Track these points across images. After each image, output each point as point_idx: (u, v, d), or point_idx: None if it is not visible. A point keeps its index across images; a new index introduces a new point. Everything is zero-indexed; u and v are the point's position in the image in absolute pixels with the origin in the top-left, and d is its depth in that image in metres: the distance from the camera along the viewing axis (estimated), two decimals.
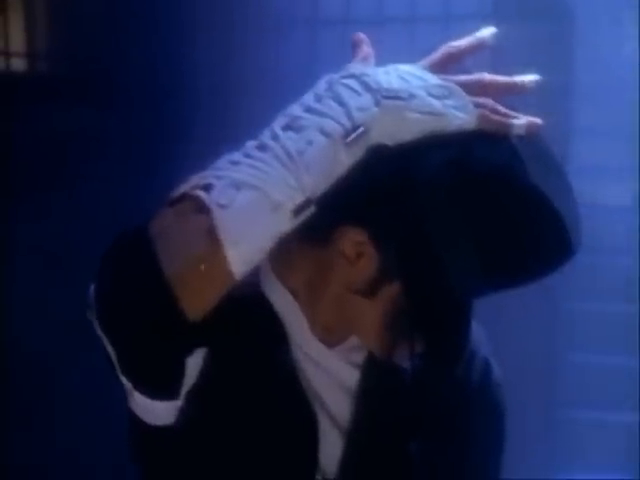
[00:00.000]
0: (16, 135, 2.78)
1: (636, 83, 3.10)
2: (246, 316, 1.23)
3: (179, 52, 2.99)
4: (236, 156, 1.08)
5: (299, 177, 1.06)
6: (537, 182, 1.11)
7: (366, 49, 1.18)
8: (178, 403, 1.16)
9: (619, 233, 3.50)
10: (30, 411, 2.74)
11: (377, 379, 1.27)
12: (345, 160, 1.08)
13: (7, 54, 2.88)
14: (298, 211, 1.06)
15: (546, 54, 3.06)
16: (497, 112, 1.13)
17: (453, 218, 1.11)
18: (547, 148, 1.17)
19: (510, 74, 1.19)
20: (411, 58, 1.18)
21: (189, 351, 1.11)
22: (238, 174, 1.05)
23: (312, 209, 1.08)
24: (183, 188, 1.07)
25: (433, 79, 1.13)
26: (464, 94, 1.12)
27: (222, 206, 1.03)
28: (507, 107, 1.15)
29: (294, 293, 1.24)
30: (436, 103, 1.10)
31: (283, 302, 1.24)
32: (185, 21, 3.02)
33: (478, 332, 1.37)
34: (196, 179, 1.06)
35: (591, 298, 3.51)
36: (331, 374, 1.26)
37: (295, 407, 1.24)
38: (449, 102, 1.11)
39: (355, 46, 1.18)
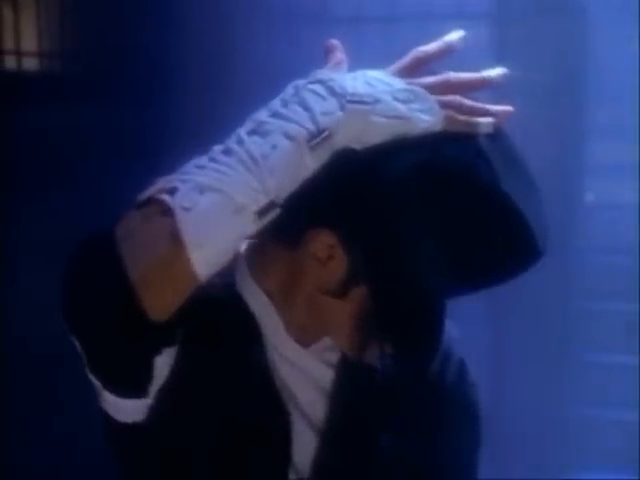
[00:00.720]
0: (24, 134, 2.81)
1: None
2: (222, 316, 1.25)
3: (189, 52, 3.02)
4: (202, 160, 1.10)
5: (263, 180, 1.07)
6: (502, 183, 1.12)
7: (339, 55, 1.20)
8: (148, 401, 1.18)
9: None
10: (30, 411, 2.76)
11: (351, 379, 1.29)
12: (310, 163, 1.10)
13: (18, 53, 2.91)
14: (262, 213, 1.08)
15: (558, 52, 3.05)
16: (464, 110, 1.14)
17: (418, 219, 1.12)
18: (514, 149, 1.19)
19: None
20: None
21: (156, 351, 1.13)
22: (202, 178, 1.07)
23: (277, 211, 1.09)
24: (149, 191, 1.08)
25: (399, 84, 1.14)
26: (430, 97, 1.13)
27: (185, 209, 1.05)
28: (478, 100, 1.17)
29: (269, 295, 1.26)
30: (401, 107, 1.12)
31: (259, 303, 1.26)
32: (197, 20, 3.04)
33: (453, 332, 1.39)
34: (162, 183, 1.08)
35: (609, 298, 3.49)
36: (306, 374, 1.28)
37: (269, 406, 1.25)
38: (415, 106, 1.12)
39: (328, 52, 1.20)
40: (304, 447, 1.28)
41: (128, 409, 1.19)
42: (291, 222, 1.17)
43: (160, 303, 1.06)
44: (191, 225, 1.05)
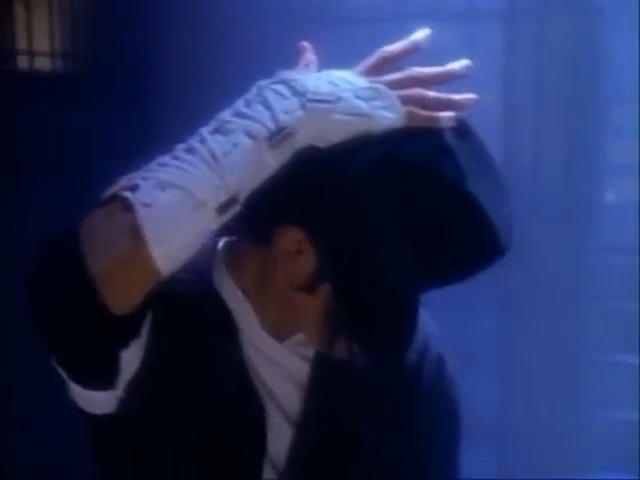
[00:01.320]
0: (37, 133, 2.84)
1: None
2: (200, 312, 1.28)
3: (203, 52, 3.03)
4: (165, 158, 1.12)
5: (223, 177, 1.09)
6: (467, 180, 1.13)
7: (309, 56, 1.22)
8: (116, 393, 1.20)
9: None
10: (29, 411, 2.78)
11: (327, 373, 1.31)
12: (271, 161, 1.12)
13: (31, 53, 2.94)
14: (222, 209, 1.10)
15: (573, 51, 3.04)
16: (427, 103, 1.16)
17: (381, 215, 1.14)
18: (483, 147, 1.20)
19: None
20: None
21: (122, 345, 1.15)
22: (164, 175, 1.09)
23: (237, 207, 1.11)
24: (112, 189, 1.10)
25: (362, 82, 1.16)
26: (392, 94, 1.15)
27: (146, 205, 1.07)
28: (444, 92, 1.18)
29: (245, 291, 1.28)
30: (363, 105, 1.13)
31: (235, 299, 1.29)
32: (204, 20, 3.06)
33: (431, 329, 1.40)
34: (124, 180, 1.11)
35: (627, 298, 3.47)
36: (282, 368, 1.30)
37: (244, 399, 1.28)
38: (376, 103, 1.14)
39: (299, 54, 1.22)
40: (280, 439, 1.30)
41: (96, 401, 1.21)
42: (261, 219, 1.21)
43: (121, 298, 1.08)
44: (151, 221, 1.07)
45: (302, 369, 1.31)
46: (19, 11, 2.90)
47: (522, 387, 3.10)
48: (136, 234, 1.06)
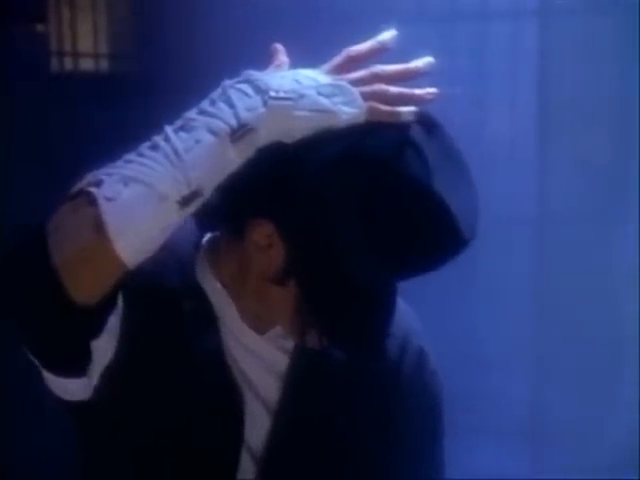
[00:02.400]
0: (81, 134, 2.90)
1: None
2: (181, 304, 1.32)
3: (243, 53, 3.07)
4: (131, 155, 1.16)
5: (185, 172, 1.13)
6: (428, 173, 1.17)
7: (282, 58, 1.25)
8: (91, 381, 1.25)
9: None
10: (29, 411, 2.80)
11: (305, 365, 1.35)
12: (233, 157, 1.16)
13: (75, 54, 3.01)
14: (184, 202, 1.14)
15: (607, 49, 3.03)
16: (389, 98, 1.19)
17: (343, 208, 1.17)
18: (451, 142, 1.23)
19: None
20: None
21: (91, 335, 1.20)
22: (128, 171, 1.14)
23: (200, 201, 1.15)
24: (79, 185, 1.15)
25: (325, 79, 1.19)
26: (353, 90, 1.18)
27: (109, 199, 1.12)
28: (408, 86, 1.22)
29: (224, 284, 1.33)
30: (325, 101, 1.17)
31: (215, 292, 1.33)
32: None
33: (413, 324, 1.43)
34: (90, 176, 1.15)
35: None
36: (262, 359, 1.34)
37: (221, 387, 1.32)
38: (338, 99, 1.18)
39: (271, 55, 1.26)
40: (258, 428, 1.34)
41: (70, 388, 1.26)
42: (234, 213, 1.26)
43: (85, 288, 1.13)
44: (114, 214, 1.11)
45: (282, 361, 1.35)
46: (64, 13, 2.97)
47: (556, 387, 3.10)
48: (99, 227, 1.11)
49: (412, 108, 1.19)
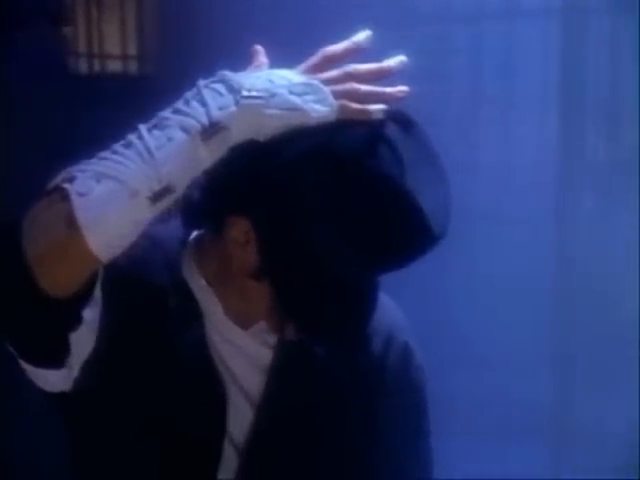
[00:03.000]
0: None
1: None
2: (166, 299, 1.35)
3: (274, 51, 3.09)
4: (105, 153, 1.19)
5: (157, 169, 1.16)
6: (401, 170, 1.19)
7: (261, 59, 1.28)
8: (71, 372, 1.28)
9: None
10: (28, 411, 2.83)
11: (289, 360, 1.37)
12: (205, 155, 1.19)
13: (102, 56, 3.05)
14: (155, 198, 1.17)
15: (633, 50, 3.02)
16: (360, 96, 1.22)
17: (313, 205, 1.20)
18: (427, 139, 1.25)
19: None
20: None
21: (67, 327, 1.23)
22: (101, 167, 1.17)
23: (172, 197, 1.18)
24: (54, 181, 1.19)
25: (298, 79, 1.22)
26: (325, 89, 1.21)
27: (81, 194, 1.15)
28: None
29: (208, 280, 1.36)
30: (296, 99, 1.20)
31: (200, 288, 1.36)
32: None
33: (397, 319, 1.45)
34: (64, 173, 1.19)
35: None
36: (246, 354, 1.36)
37: (204, 379, 1.34)
38: (309, 97, 1.20)
39: (251, 56, 1.29)
40: (241, 420, 1.36)
41: (51, 380, 1.29)
42: (214, 210, 1.29)
43: (57, 282, 1.16)
44: (85, 209, 1.14)
45: (266, 355, 1.37)
46: (92, 14, 3.02)
47: (581, 387, 3.09)
48: (71, 222, 1.14)
49: (382, 106, 1.22)
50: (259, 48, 1.29)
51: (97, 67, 3.08)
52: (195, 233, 1.39)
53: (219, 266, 1.34)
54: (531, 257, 3.00)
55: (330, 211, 1.20)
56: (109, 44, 3.07)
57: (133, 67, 3.13)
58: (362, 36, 1.26)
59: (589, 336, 3.05)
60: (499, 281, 2.98)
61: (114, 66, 3.12)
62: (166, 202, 1.18)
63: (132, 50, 3.12)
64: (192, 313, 1.35)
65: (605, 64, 3.01)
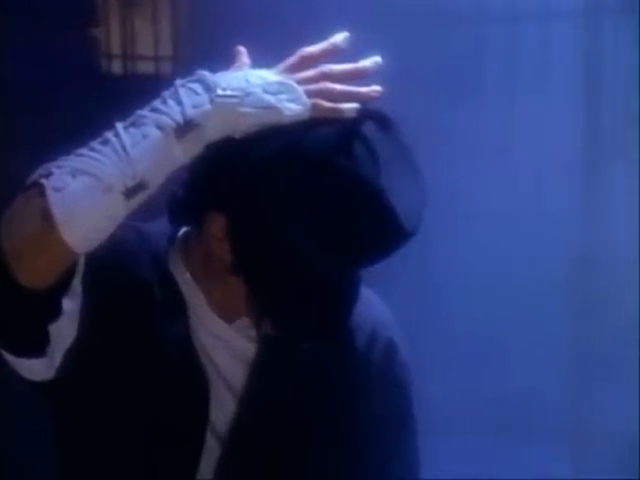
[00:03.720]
0: None
1: None
2: (152, 292, 1.39)
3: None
4: (83, 150, 1.23)
5: (132, 165, 1.20)
6: (376, 169, 1.22)
7: (244, 59, 1.32)
8: (52, 361, 1.31)
9: None
10: (28, 411, 2.86)
11: (272, 352, 1.40)
12: (179, 152, 1.22)
13: (133, 57, 3.10)
14: (129, 194, 1.21)
15: None
16: (334, 95, 1.25)
17: (283, 202, 1.23)
18: (402, 138, 1.28)
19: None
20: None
21: (47, 318, 1.27)
22: (77, 163, 1.21)
23: (146, 193, 1.22)
24: (33, 177, 1.23)
25: (273, 78, 1.25)
26: (298, 88, 1.25)
27: (57, 189, 1.19)
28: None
29: (193, 274, 1.40)
30: (270, 98, 1.23)
31: (185, 282, 1.40)
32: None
33: (383, 315, 1.48)
34: (42, 169, 1.23)
35: None
36: (230, 347, 1.40)
37: (188, 369, 1.38)
38: (283, 96, 1.24)
39: (234, 56, 1.32)
40: (224, 411, 1.40)
41: (34, 369, 1.33)
42: (193, 207, 1.33)
43: (33, 273, 1.20)
44: (60, 204, 1.19)
45: (249, 348, 1.41)
46: (125, 16, 3.06)
47: (599, 387, 3.08)
48: (46, 216, 1.18)
49: (355, 105, 1.24)
50: (242, 49, 1.32)
51: (130, 68, 3.12)
52: (183, 230, 1.42)
53: (203, 261, 1.37)
54: (553, 255, 2.99)
55: (302, 208, 1.23)
56: (142, 45, 3.11)
57: (166, 68, 3.16)
58: (340, 37, 1.29)
59: (607, 335, 3.04)
60: (516, 279, 2.99)
61: (146, 67, 3.16)
62: (140, 198, 1.22)
63: (165, 51, 3.15)
64: (177, 306, 1.39)
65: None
